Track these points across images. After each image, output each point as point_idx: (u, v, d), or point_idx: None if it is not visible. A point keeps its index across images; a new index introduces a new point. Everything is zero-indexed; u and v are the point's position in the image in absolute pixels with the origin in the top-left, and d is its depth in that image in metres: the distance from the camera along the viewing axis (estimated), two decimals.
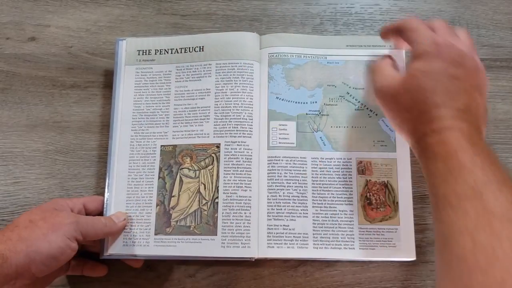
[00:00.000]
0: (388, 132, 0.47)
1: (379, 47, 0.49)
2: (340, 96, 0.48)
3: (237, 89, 0.48)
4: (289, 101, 0.48)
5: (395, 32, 0.40)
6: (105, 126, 0.49)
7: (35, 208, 0.39)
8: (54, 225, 0.36)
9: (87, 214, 0.44)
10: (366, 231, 0.45)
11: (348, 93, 0.48)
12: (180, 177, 0.47)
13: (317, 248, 0.44)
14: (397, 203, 0.45)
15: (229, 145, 0.47)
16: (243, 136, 0.47)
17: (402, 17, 0.53)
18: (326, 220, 0.45)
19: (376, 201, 0.45)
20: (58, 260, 0.36)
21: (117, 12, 0.54)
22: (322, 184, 0.46)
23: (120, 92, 0.49)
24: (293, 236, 0.45)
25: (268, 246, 0.44)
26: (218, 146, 0.47)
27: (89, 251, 0.45)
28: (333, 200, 0.45)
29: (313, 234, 0.45)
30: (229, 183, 0.46)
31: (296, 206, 0.45)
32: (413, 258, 0.44)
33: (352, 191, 0.46)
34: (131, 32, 0.53)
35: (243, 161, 0.46)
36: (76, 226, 0.38)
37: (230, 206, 0.45)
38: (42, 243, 0.35)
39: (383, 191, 0.45)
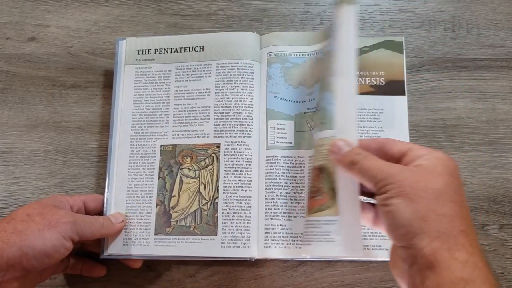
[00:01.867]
0: None
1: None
2: None
3: (237, 89, 0.48)
4: (287, 100, 0.48)
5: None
6: (105, 126, 0.49)
7: (34, 202, 0.39)
8: (50, 222, 0.36)
9: (86, 212, 0.44)
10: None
11: None
12: (180, 177, 0.47)
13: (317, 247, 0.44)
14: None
15: (229, 145, 0.47)
16: (243, 136, 0.47)
17: (402, 17, 0.53)
18: None
19: None
20: (50, 257, 0.36)
21: (117, 12, 0.54)
22: None
23: (120, 92, 0.49)
24: (290, 236, 0.45)
25: (265, 246, 0.44)
26: (218, 146, 0.47)
27: (88, 251, 0.45)
28: None
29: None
30: (229, 183, 0.46)
31: (293, 206, 0.45)
32: None
33: None
34: (131, 32, 0.53)
35: (243, 161, 0.46)
36: (72, 225, 0.37)
37: (230, 206, 0.45)
38: (36, 239, 0.35)
39: None
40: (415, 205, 0.29)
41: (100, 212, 0.45)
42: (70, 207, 0.41)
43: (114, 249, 0.44)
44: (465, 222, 0.29)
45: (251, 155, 0.46)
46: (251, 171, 0.46)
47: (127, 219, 0.45)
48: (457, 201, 0.29)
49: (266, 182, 0.46)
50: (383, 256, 0.44)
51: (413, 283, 0.29)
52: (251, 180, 0.46)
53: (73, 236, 0.37)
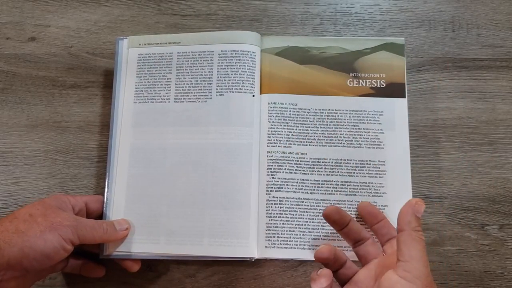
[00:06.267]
0: None
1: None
2: None
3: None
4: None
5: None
6: (105, 126, 0.49)
7: (37, 202, 0.39)
8: (52, 224, 0.36)
9: (88, 213, 0.44)
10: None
11: None
12: None
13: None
14: None
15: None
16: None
17: (402, 17, 0.53)
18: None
19: None
20: (50, 259, 0.36)
21: (117, 12, 0.54)
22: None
23: (120, 92, 0.49)
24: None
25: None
26: None
27: (88, 251, 0.45)
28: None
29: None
30: None
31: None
32: None
33: None
34: (131, 32, 0.53)
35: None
36: (74, 229, 0.37)
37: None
38: (38, 240, 0.35)
39: None
40: None
41: (101, 213, 0.45)
42: (72, 207, 0.41)
43: (113, 249, 0.44)
44: None
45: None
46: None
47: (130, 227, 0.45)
48: None
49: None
50: None
51: None
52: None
53: (74, 240, 0.38)
